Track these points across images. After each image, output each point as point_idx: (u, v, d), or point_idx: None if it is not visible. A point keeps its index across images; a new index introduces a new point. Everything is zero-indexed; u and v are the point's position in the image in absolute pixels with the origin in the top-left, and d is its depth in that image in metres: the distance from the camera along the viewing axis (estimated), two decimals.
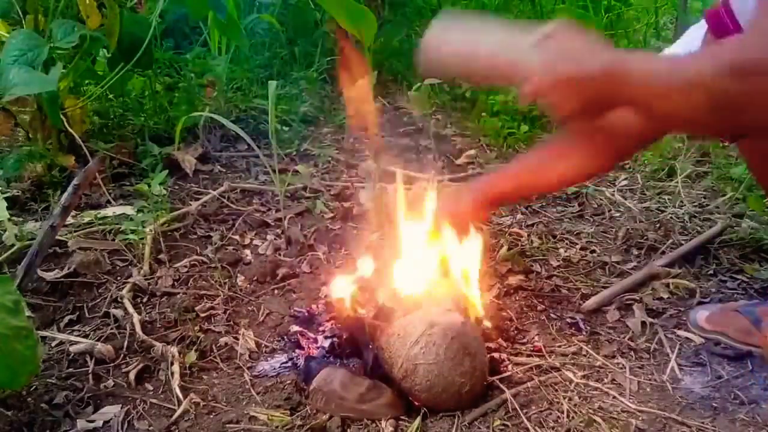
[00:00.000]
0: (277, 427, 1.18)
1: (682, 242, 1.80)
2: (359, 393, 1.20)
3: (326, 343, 1.35)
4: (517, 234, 1.88)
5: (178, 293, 1.58)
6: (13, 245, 1.67)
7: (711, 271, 1.69)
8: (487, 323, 1.41)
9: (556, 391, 1.28)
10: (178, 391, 1.27)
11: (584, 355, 1.39)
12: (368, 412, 1.19)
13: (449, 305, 1.32)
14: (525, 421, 1.19)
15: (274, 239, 1.84)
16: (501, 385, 1.28)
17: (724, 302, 1.53)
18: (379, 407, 1.20)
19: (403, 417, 1.20)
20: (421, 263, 1.42)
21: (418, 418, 1.18)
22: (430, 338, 1.20)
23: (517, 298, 1.59)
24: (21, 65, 1.71)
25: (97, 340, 1.41)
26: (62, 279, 1.60)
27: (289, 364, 1.34)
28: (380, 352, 1.25)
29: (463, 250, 1.42)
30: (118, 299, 1.54)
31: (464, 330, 1.22)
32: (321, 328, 1.42)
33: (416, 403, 1.21)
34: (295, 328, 1.45)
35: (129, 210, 1.93)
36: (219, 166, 2.31)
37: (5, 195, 1.91)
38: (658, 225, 1.91)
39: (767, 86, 0.84)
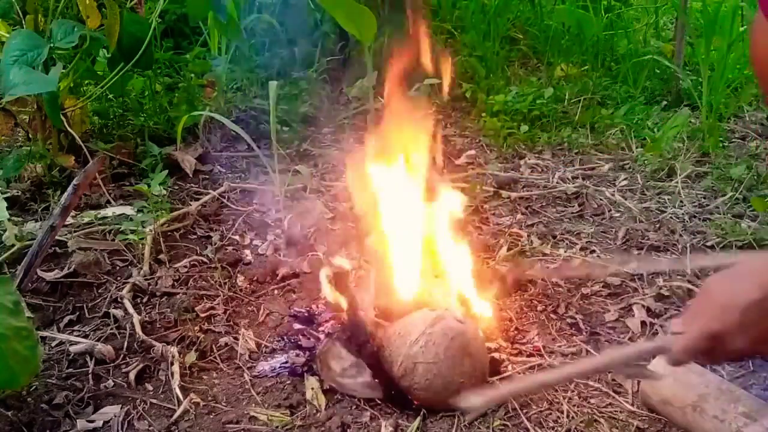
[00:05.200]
0: (277, 427, 1.19)
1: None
2: (342, 368, 1.25)
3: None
4: (517, 234, 1.88)
5: (178, 293, 1.58)
6: (13, 245, 1.67)
7: (711, 272, 1.69)
8: (488, 323, 1.41)
9: (556, 391, 1.28)
10: (178, 391, 1.27)
11: (584, 355, 1.39)
12: (348, 387, 1.24)
13: (450, 305, 1.33)
14: (525, 421, 1.20)
15: (274, 239, 1.84)
16: (501, 385, 1.28)
17: None
18: (357, 385, 1.24)
19: (402, 416, 1.20)
20: (421, 263, 1.42)
21: (418, 419, 1.18)
22: (430, 338, 1.20)
23: (517, 298, 1.59)
24: (21, 65, 1.71)
25: (97, 340, 1.41)
26: (62, 279, 1.60)
27: (289, 364, 1.34)
28: (381, 350, 1.25)
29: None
30: (118, 299, 1.54)
31: (464, 330, 1.23)
32: (321, 328, 1.42)
33: (415, 402, 1.21)
34: (296, 326, 1.45)
35: (129, 210, 1.93)
36: (219, 166, 2.31)
37: (5, 195, 1.91)
38: (658, 225, 1.91)
39: None
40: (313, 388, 1.26)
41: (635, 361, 1.03)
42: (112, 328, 1.46)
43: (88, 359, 1.37)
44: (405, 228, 1.45)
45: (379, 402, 1.24)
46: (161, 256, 1.72)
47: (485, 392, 1.11)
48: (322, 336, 1.37)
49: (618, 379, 1.31)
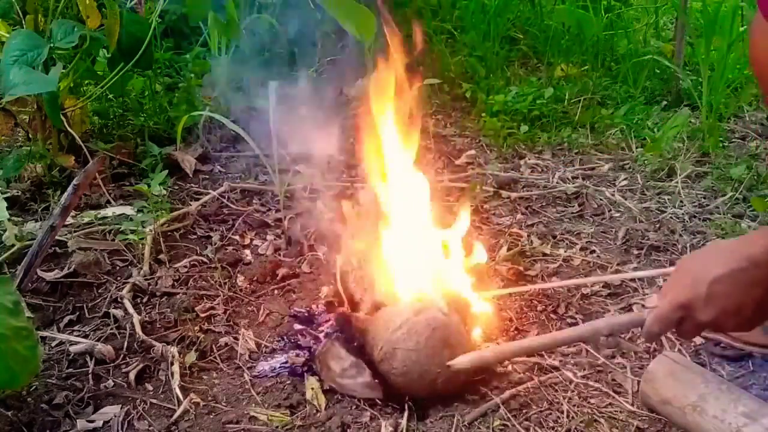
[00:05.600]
0: (277, 427, 1.19)
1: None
2: (342, 368, 1.25)
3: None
4: (517, 234, 1.88)
5: (178, 293, 1.58)
6: (13, 245, 1.67)
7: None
8: (478, 319, 1.41)
9: (556, 391, 1.28)
10: (178, 391, 1.27)
11: (584, 355, 1.39)
12: (347, 388, 1.24)
13: (438, 298, 1.33)
14: (525, 421, 1.20)
15: (274, 239, 1.84)
16: (499, 385, 1.28)
17: None
18: (357, 385, 1.24)
19: (402, 416, 1.20)
20: (417, 261, 1.43)
21: (405, 417, 1.19)
22: (413, 326, 1.23)
23: (517, 298, 1.59)
24: (21, 65, 1.71)
25: (97, 340, 1.41)
26: (62, 279, 1.60)
27: (289, 364, 1.34)
28: (365, 335, 1.28)
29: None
30: (118, 299, 1.54)
31: (448, 323, 1.25)
32: (321, 328, 1.42)
33: (393, 389, 1.24)
34: (296, 326, 1.45)
35: (129, 210, 1.93)
36: (219, 166, 2.31)
37: (5, 195, 1.91)
38: (658, 225, 1.91)
39: None
40: (313, 388, 1.26)
41: (615, 332, 1.15)
42: (112, 328, 1.46)
43: (88, 359, 1.37)
44: (401, 223, 1.46)
45: (379, 402, 1.24)
46: (161, 256, 1.72)
47: (472, 353, 1.20)
48: (321, 336, 1.37)
49: (617, 378, 1.32)
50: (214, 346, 1.42)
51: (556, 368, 1.34)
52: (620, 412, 1.23)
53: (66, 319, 1.50)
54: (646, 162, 2.32)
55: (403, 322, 1.23)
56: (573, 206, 2.08)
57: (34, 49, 1.76)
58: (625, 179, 2.23)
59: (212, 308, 1.54)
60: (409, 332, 1.22)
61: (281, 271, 1.68)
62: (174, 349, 1.36)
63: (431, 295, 1.34)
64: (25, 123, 2.11)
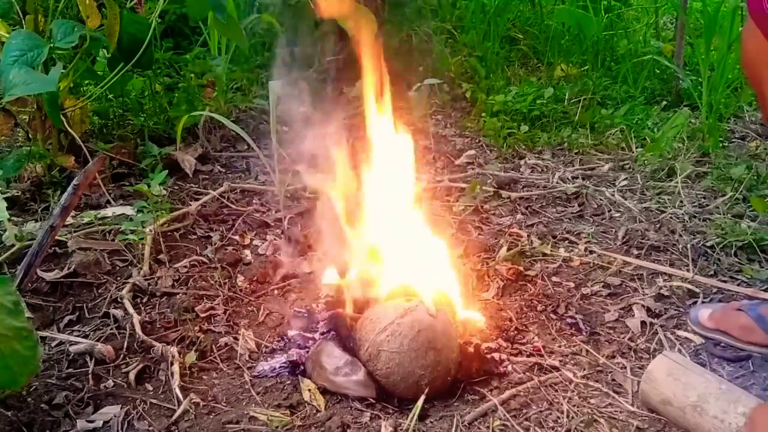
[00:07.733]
0: (277, 427, 1.19)
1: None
2: (336, 366, 1.26)
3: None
4: (517, 234, 1.88)
5: (178, 293, 1.58)
6: (13, 245, 1.67)
7: (711, 272, 1.69)
8: (465, 321, 1.41)
9: (556, 391, 1.28)
10: (178, 391, 1.27)
11: (584, 355, 1.39)
12: (340, 386, 1.25)
13: (426, 298, 1.33)
14: (525, 421, 1.20)
15: (274, 239, 1.84)
16: (499, 386, 1.28)
17: (724, 302, 1.53)
18: (351, 383, 1.24)
19: (402, 416, 1.20)
20: (408, 258, 1.43)
21: (410, 417, 1.18)
22: (397, 328, 1.24)
23: (517, 298, 1.59)
24: (21, 65, 1.71)
25: (97, 341, 1.41)
26: (62, 279, 1.60)
27: (289, 364, 1.34)
28: (353, 333, 1.29)
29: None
30: (118, 299, 1.54)
31: (433, 324, 1.25)
32: (316, 327, 1.42)
33: (382, 388, 1.25)
34: (296, 326, 1.45)
35: (129, 210, 1.93)
36: (219, 166, 2.31)
37: (5, 195, 1.91)
38: (658, 225, 1.91)
39: None
40: (309, 389, 1.26)
41: None
42: (112, 328, 1.46)
43: (88, 359, 1.37)
44: (391, 224, 1.46)
45: (372, 400, 1.24)
46: (161, 256, 1.72)
47: None
48: (317, 336, 1.37)
49: (617, 378, 1.32)
50: (214, 346, 1.42)
51: (556, 368, 1.34)
52: (620, 412, 1.23)
53: (66, 319, 1.50)
54: (646, 162, 2.32)
55: (388, 324, 1.24)
56: (573, 206, 2.08)
57: (34, 49, 1.76)
58: (625, 179, 2.23)
59: (212, 308, 1.54)
60: (393, 334, 1.23)
61: (281, 271, 1.68)
62: (174, 349, 1.36)
63: (420, 294, 1.34)
64: (25, 123, 2.11)
